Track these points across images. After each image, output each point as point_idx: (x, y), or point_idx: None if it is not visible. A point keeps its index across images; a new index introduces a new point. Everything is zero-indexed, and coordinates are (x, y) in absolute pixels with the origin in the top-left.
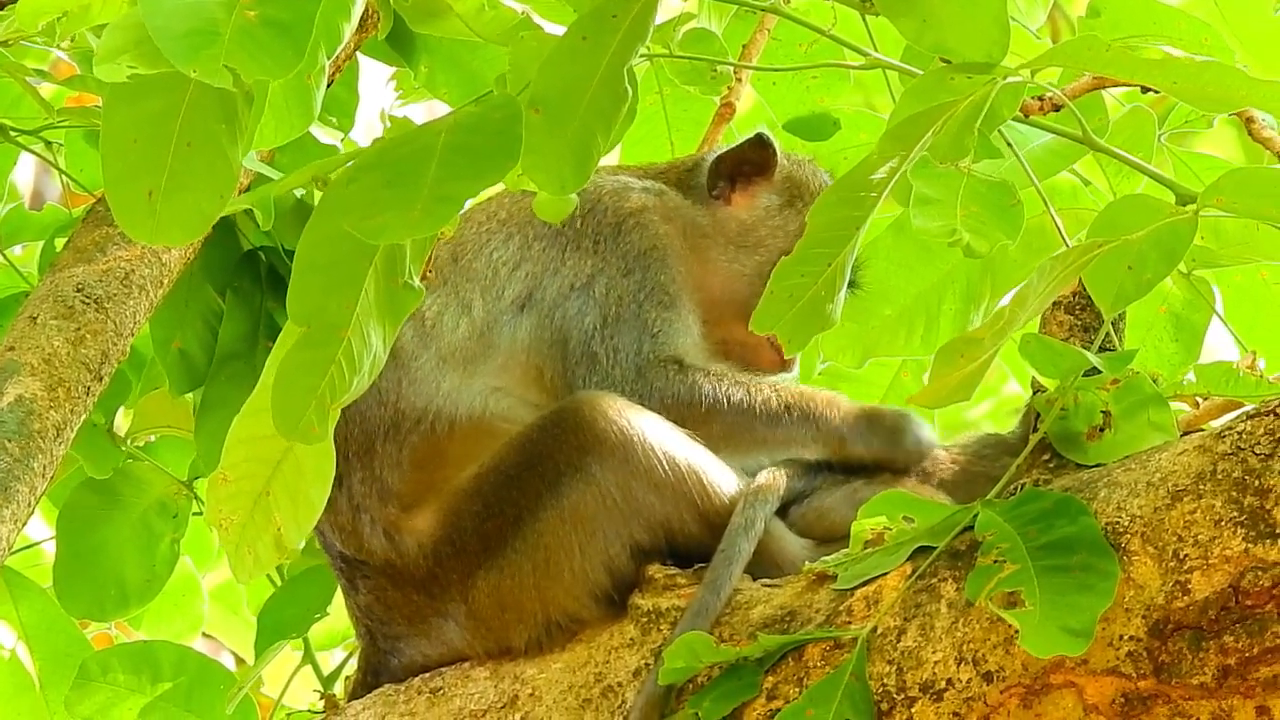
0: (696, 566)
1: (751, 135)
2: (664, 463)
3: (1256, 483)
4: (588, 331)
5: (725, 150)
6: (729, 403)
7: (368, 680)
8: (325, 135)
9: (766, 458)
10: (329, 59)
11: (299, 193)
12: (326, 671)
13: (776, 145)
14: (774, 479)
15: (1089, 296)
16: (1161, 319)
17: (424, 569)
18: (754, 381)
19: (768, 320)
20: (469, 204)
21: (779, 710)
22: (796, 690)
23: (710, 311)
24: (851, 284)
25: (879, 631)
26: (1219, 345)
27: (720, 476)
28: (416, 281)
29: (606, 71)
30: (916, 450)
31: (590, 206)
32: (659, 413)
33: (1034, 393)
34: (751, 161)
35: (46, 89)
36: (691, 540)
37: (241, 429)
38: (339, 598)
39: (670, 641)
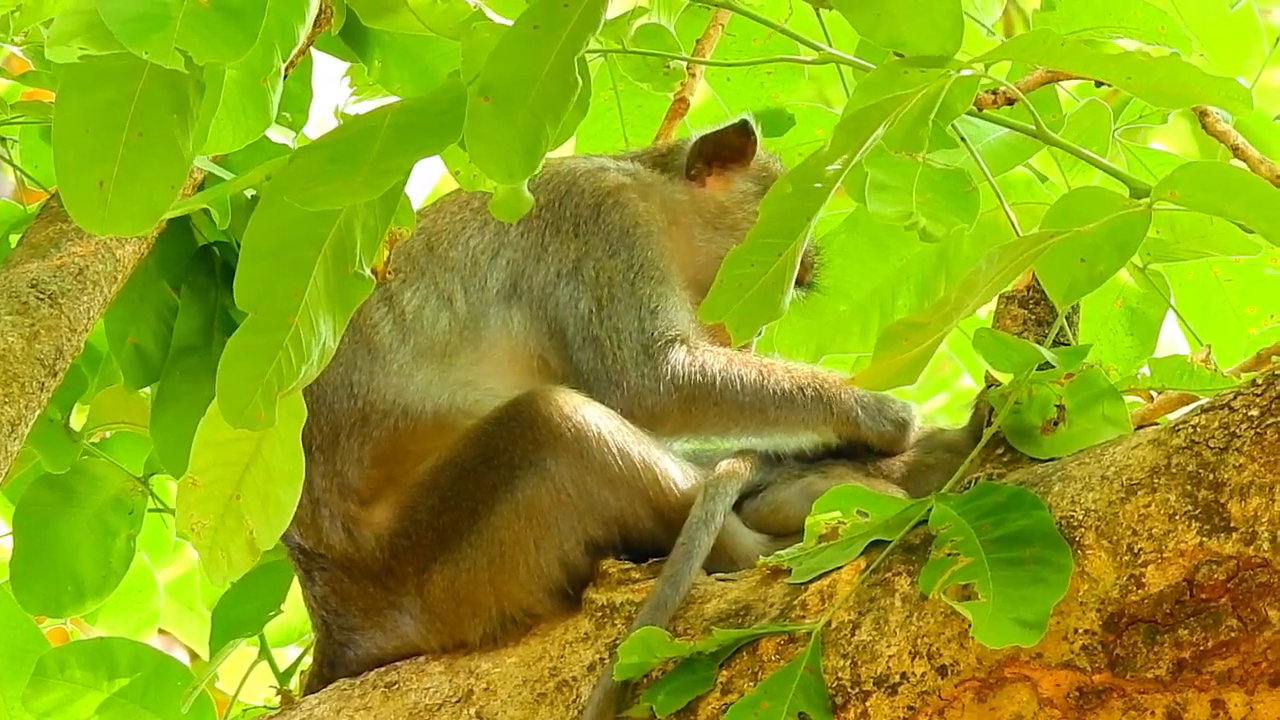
0: (651, 561)
1: (736, 120)
2: (619, 458)
3: (1211, 476)
4: (584, 317)
5: (710, 132)
6: (742, 383)
7: (323, 672)
8: (279, 136)
9: (776, 439)
10: (284, 60)
11: (253, 193)
12: (282, 667)
13: (758, 133)
14: (732, 471)
15: (1043, 291)
16: (1117, 313)
17: (380, 562)
18: (766, 361)
19: (717, 309)
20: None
21: (733, 704)
22: (751, 684)
23: (688, 290)
24: (809, 285)
25: (833, 625)
26: (1172, 339)
27: (675, 472)
28: (367, 271)
29: (557, 61)
30: (915, 441)
31: (567, 188)
32: (668, 394)
33: (987, 386)
34: (731, 147)
35: (0, 84)
36: (646, 535)
37: (208, 432)
38: (294, 594)
39: (626, 636)
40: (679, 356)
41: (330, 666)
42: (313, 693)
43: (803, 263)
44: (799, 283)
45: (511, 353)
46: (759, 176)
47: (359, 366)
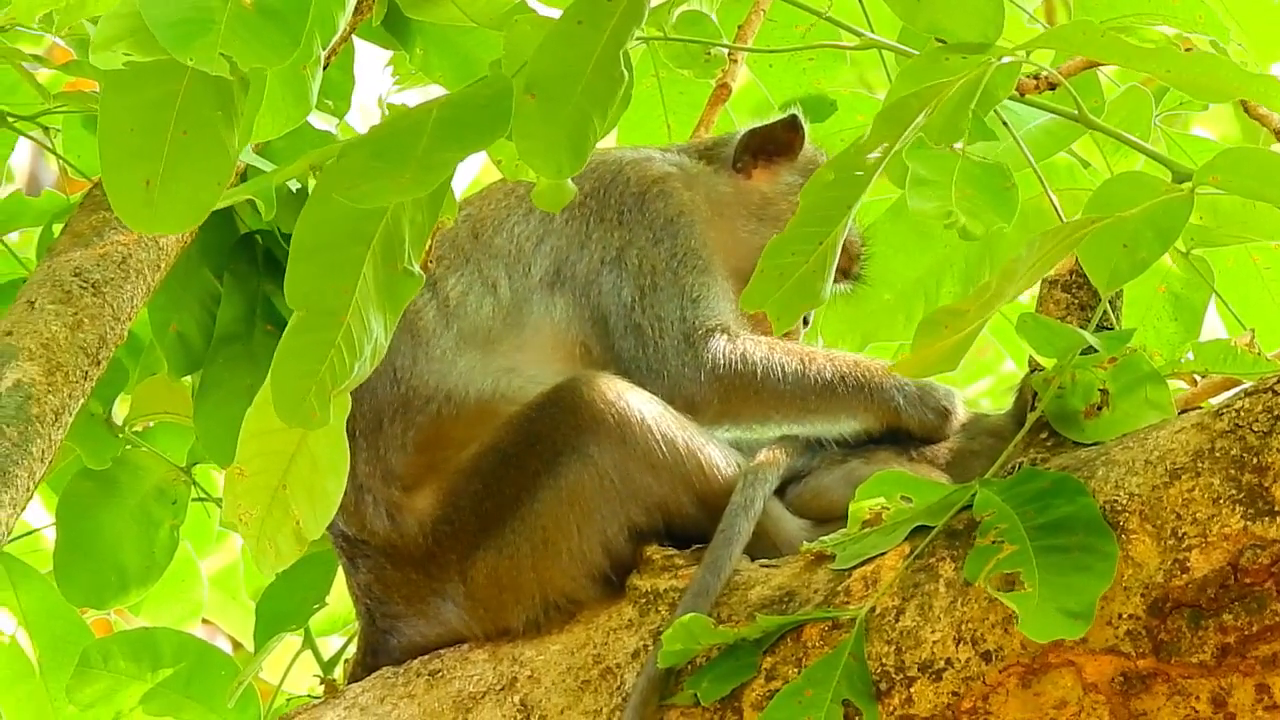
0: (694, 548)
1: (786, 115)
2: (662, 444)
3: (1255, 460)
4: (627, 304)
5: (758, 126)
6: (783, 371)
7: (366, 660)
8: (321, 121)
9: (818, 427)
10: (324, 49)
11: (297, 185)
12: (326, 656)
13: (806, 128)
14: (773, 458)
15: (1086, 275)
16: (1161, 298)
17: (423, 548)
18: (807, 350)
19: (758, 297)
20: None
21: (777, 691)
22: (795, 670)
23: (730, 280)
24: (856, 276)
25: (877, 611)
26: (1214, 326)
27: (718, 458)
28: (416, 268)
29: (602, 55)
30: (958, 427)
31: (612, 177)
32: (709, 382)
33: (1030, 371)
34: (778, 140)
35: (43, 74)
36: (689, 521)
37: (253, 423)
38: (338, 584)
39: (669, 623)
40: (720, 345)
41: (374, 654)
42: (356, 681)
43: (849, 254)
44: (846, 275)
45: (554, 339)
46: (805, 169)
47: (402, 352)
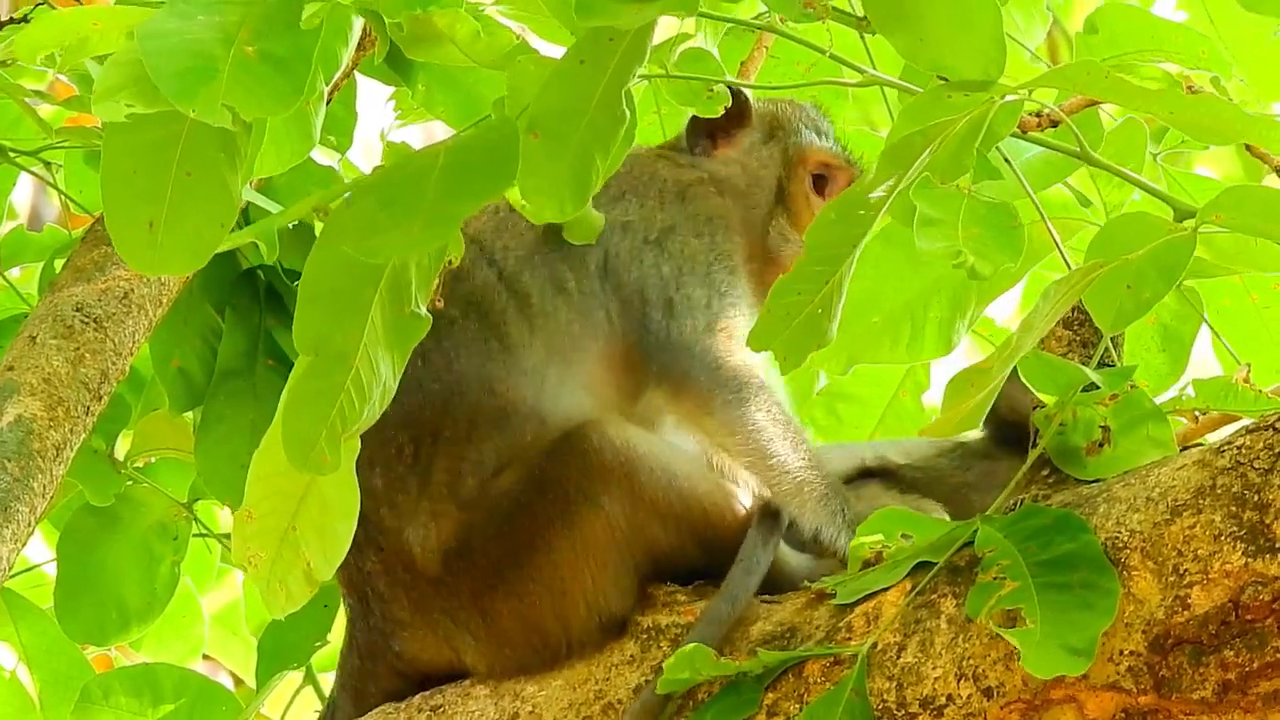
0: (696, 583)
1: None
2: (670, 492)
3: (1256, 497)
4: (665, 278)
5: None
6: (765, 419)
7: (366, 666)
8: (323, 157)
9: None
10: (327, 84)
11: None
12: (327, 693)
13: (748, 93)
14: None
15: (1087, 312)
16: (1150, 330)
17: (436, 573)
18: (795, 426)
19: (765, 337)
20: None
21: None
22: (796, 706)
23: (751, 265)
24: None
25: (879, 648)
26: (1204, 359)
27: (725, 503)
28: (423, 310)
29: (604, 94)
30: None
31: (650, 175)
32: (707, 372)
33: (1033, 404)
34: (726, 114)
35: (45, 109)
36: (697, 565)
37: (261, 465)
38: (339, 623)
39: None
40: (738, 358)
41: (373, 659)
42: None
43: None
44: None
45: (603, 340)
46: (761, 125)
47: (494, 360)
